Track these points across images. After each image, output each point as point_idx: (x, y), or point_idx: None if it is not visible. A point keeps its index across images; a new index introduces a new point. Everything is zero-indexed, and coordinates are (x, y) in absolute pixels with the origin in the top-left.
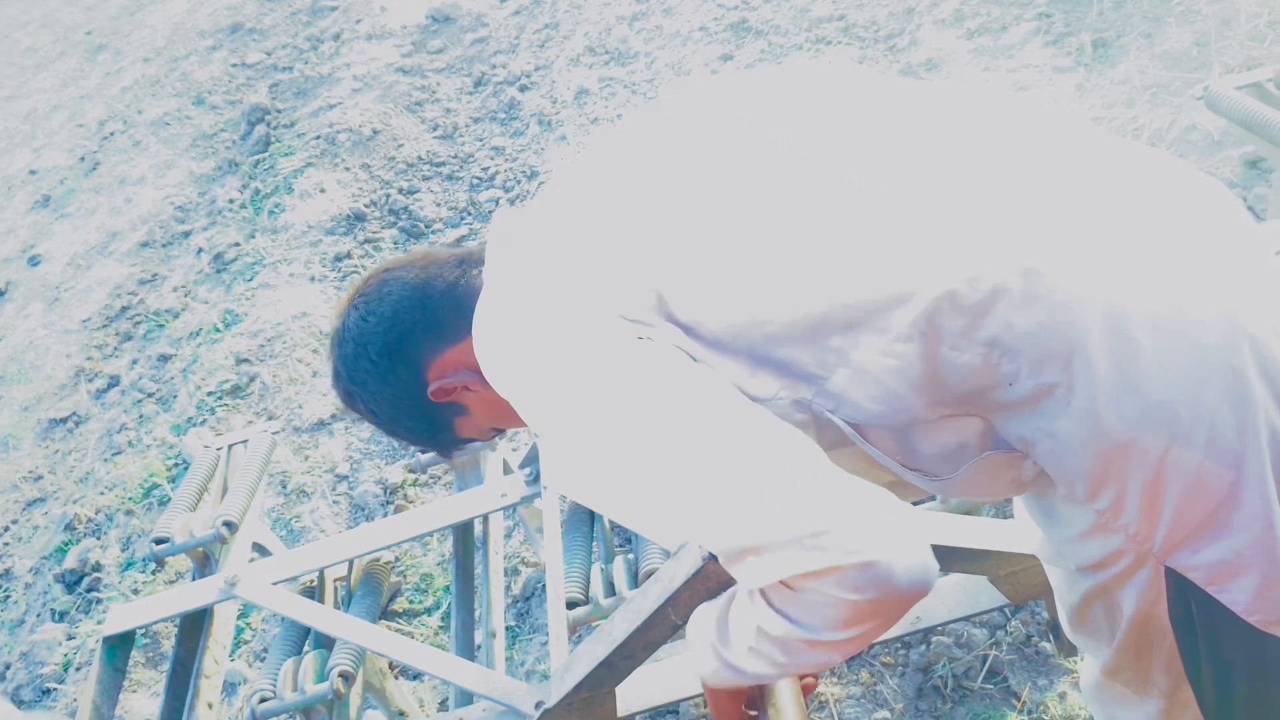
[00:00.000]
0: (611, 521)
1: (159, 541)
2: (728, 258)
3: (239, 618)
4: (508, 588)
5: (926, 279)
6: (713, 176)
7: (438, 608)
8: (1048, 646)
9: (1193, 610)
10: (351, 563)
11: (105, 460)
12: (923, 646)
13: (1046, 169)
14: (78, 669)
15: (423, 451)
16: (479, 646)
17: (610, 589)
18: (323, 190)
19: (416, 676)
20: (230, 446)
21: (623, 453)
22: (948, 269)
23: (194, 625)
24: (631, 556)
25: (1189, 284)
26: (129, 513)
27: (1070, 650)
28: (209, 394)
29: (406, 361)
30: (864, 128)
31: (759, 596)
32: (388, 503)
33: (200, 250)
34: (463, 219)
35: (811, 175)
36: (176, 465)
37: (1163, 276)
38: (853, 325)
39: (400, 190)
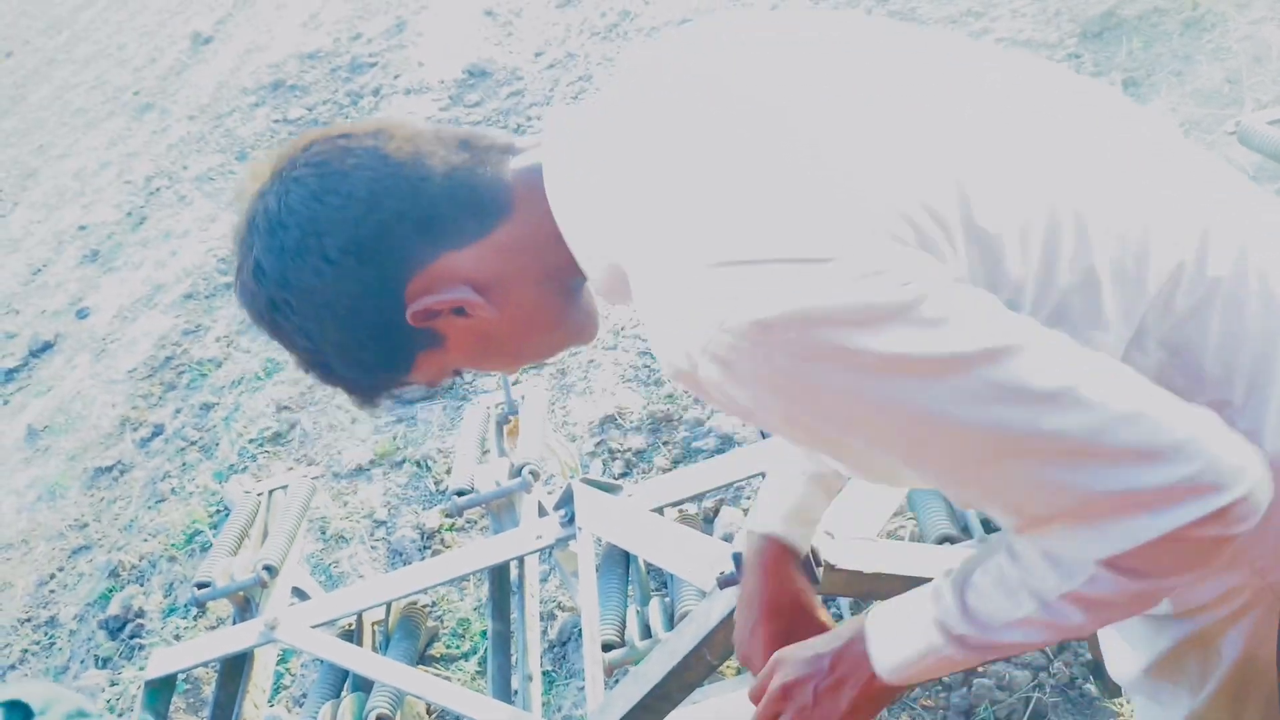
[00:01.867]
0: (647, 563)
1: (201, 586)
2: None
3: (278, 663)
4: (544, 631)
5: (1157, 265)
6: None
7: (474, 652)
8: (1092, 689)
9: None
10: (389, 606)
11: (149, 508)
12: (964, 689)
13: (1199, 163)
14: (120, 715)
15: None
16: (516, 691)
17: (646, 631)
18: None
19: None
20: (270, 492)
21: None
22: (1174, 251)
23: (234, 669)
24: (668, 599)
25: None
26: (172, 559)
27: (1115, 691)
28: (250, 441)
29: (381, 265)
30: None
31: (1091, 564)
32: (425, 547)
33: None
34: None
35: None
36: (218, 511)
37: None
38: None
39: None
